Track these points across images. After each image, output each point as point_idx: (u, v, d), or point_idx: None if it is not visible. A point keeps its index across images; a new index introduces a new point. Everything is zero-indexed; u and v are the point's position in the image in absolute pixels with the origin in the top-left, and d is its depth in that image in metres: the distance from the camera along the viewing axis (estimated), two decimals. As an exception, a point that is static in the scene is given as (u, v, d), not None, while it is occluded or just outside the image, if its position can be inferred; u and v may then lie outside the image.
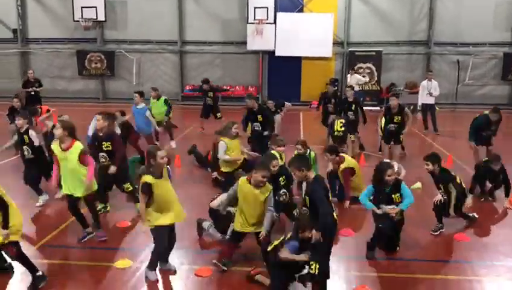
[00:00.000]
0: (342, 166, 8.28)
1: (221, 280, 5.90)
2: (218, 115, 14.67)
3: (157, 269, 5.96)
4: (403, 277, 6.05)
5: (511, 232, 7.34)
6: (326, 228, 5.20)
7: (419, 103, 15.34)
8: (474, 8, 19.68)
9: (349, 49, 20.79)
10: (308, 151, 8.34)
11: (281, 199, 7.13)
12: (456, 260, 6.56)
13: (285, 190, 7.23)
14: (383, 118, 10.67)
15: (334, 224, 5.38)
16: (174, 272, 6.05)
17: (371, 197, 6.65)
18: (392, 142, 10.68)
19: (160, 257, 5.96)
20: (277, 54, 20.54)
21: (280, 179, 7.12)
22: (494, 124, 10.22)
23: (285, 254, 5.32)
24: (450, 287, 5.80)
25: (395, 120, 10.31)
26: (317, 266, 5.23)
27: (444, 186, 7.23)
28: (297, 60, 20.69)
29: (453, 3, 20.03)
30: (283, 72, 20.13)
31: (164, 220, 5.67)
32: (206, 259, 6.39)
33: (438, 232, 7.23)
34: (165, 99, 13.17)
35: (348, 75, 18.70)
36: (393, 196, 6.53)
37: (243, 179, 6.06)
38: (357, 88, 18.19)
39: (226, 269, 6.02)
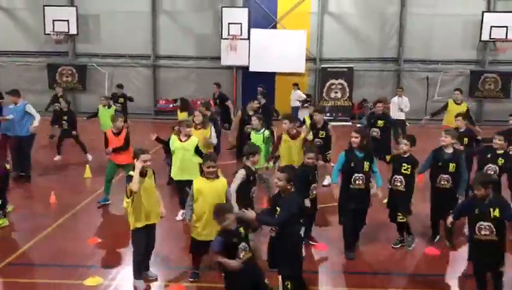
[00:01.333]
0: (303, 135, 8.46)
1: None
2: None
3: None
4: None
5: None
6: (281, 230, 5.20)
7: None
8: (443, 27, 20.25)
9: (322, 66, 21.08)
10: (263, 129, 8.97)
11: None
12: (428, 274, 6.65)
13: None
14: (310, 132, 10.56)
15: (299, 240, 5.40)
16: (156, 279, 6.14)
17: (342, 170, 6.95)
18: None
19: (140, 261, 5.95)
20: (251, 69, 20.65)
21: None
22: (377, 117, 10.34)
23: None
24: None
25: (320, 135, 10.26)
26: (292, 286, 5.24)
27: (411, 169, 7.02)
28: (271, 75, 20.83)
29: (423, 21, 20.56)
30: (257, 87, 20.20)
31: (142, 222, 5.83)
32: (178, 275, 6.31)
33: (399, 246, 7.30)
34: (116, 110, 13.00)
35: (292, 91, 19.05)
36: (365, 163, 6.82)
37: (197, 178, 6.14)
38: (297, 104, 18.57)
39: (193, 280, 6.07)
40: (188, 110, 12.38)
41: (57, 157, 12.68)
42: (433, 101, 20.50)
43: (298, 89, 19.21)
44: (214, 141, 9.18)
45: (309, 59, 20.99)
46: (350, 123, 18.65)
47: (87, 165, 11.30)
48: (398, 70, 21.06)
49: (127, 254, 6.87)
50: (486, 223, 5.37)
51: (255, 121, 9.23)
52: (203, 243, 5.91)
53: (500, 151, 7.48)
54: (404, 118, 15.23)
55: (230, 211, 5.03)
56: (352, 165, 6.83)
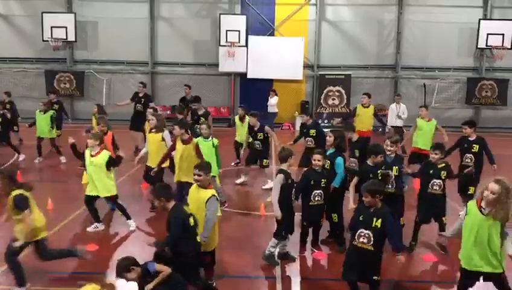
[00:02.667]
0: (195, 141, 8.51)
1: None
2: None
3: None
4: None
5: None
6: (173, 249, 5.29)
7: (388, 126, 15.64)
8: (440, 34, 20.38)
9: (320, 73, 21.14)
10: (211, 137, 9.06)
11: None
12: (425, 280, 6.64)
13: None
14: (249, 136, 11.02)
15: (191, 251, 5.45)
16: None
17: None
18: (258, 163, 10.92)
19: None
20: (249, 76, 20.70)
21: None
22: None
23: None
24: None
25: (258, 137, 10.61)
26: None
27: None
28: (269, 82, 20.88)
29: (420, 29, 20.70)
30: (255, 94, 20.27)
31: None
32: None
33: None
34: (51, 116, 13.01)
35: (269, 97, 19.32)
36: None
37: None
38: (275, 110, 19.32)
39: None
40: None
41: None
42: (430, 107, 20.55)
43: (276, 95, 19.26)
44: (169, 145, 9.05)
45: (307, 66, 21.06)
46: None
47: (85, 172, 11.25)
48: (395, 77, 21.14)
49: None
50: (366, 231, 5.41)
51: (204, 130, 9.14)
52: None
53: (441, 165, 7.32)
54: (401, 125, 15.29)
55: (135, 264, 5.14)
56: None
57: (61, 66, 21.41)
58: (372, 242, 5.38)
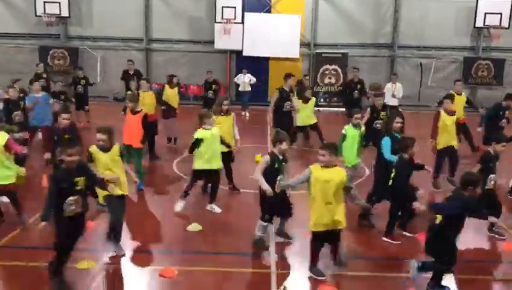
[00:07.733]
0: None
1: (185, 281, 5.86)
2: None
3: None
4: (367, 275, 6.19)
5: (475, 234, 7.49)
6: None
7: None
8: (437, 13, 20.21)
9: (316, 51, 21.00)
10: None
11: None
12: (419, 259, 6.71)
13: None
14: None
15: None
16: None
17: None
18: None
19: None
20: (244, 53, 20.53)
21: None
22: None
23: None
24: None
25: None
26: None
27: None
28: (265, 60, 20.73)
29: (417, 7, 20.51)
30: (251, 71, 20.15)
31: None
32: (170, 260, 6.33)
33: None
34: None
35: (242, 75, 18.92)
36: None
37: None
38: (249, 88, 18.76)
39: None
40: None
41: None
42: (427, 87, 20.57)
43: (248, 72, 18.59)
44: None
45: (303, 44, 20.90)
46: (344, 109, 18.63)
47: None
48: (392, 56, 21.04)
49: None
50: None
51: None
52: None
53: None
54: (397, 104, 15.31)
55: None
56: None
57: (55, 42, 21.17)
58: None
